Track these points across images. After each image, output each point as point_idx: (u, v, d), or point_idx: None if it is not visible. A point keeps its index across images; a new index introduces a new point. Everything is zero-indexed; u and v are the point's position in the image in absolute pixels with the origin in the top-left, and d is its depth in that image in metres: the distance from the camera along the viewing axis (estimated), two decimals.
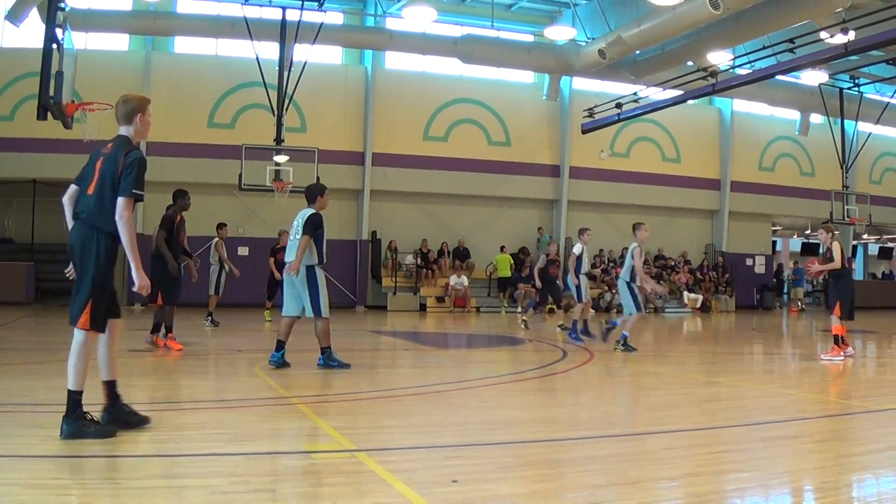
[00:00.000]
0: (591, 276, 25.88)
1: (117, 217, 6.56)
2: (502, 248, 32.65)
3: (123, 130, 7.05)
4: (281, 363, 11.40)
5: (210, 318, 19.80)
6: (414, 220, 32.68)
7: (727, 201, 37.33)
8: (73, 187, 6.91)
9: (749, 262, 38.33)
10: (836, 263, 14.29)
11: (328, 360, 11.54)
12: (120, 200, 6.55)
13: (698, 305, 32.17)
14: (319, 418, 7.56)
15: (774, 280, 39.40)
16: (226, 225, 20.59)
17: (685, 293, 33.04)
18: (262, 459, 6.18)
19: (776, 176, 38.51)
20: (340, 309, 29.27)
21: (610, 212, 35.67)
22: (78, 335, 6.66)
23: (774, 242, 44.67)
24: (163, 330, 14.16)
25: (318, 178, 25.51)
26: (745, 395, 10.02)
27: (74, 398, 6.51)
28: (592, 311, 20.10)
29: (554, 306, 21.95)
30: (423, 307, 30.86)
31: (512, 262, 31.99)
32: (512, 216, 34.39)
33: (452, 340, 17.96)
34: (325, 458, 6.06)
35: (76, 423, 6.44)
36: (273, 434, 7.10)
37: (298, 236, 11.46)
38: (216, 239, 20.00)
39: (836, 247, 14.27)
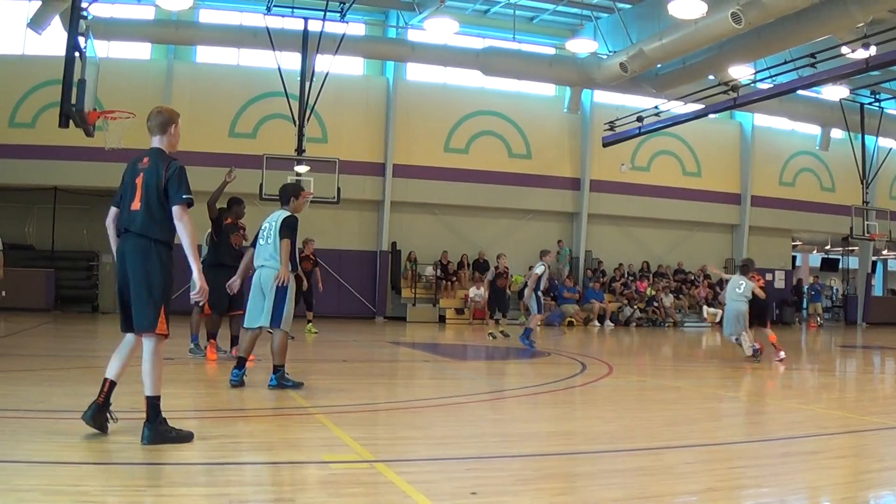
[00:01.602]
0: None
1: (177, 222, 6.90)
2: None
3: (157, 142, 7.13)
4: (239, 382, 10.34)
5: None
6: (434, 232, 32.67)
7: (747, 216, 37.17)
8: (113, 210, 7.13)
9: (769, 276, 38.12)
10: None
11: (281, 381, 10.32)
12: (175, 209, 6.87)
13: (717, 320, 32.04)
14: (338, 428, 7.56)
15: (794, 295, 39.23)
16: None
17: (704, 307, 33.03)
18: (281, 469, 6.19)
19: (796, 191, 38.32)
20: (360, 319, 29.31)
21: (630, 225, 35.63)
22: (150, 342, 6.92)
23: (794, 257, 44.50)
24: (197, 340, 14.26)
25: (338, 189, 25.62)
26: (764, 411, 9.98)
27: (154, 404, 6.70)
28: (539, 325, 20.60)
29: (501, 316, 22.07)
30: (442, 319, 30.84)
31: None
32: (532, 229, 34.33)
33: (471, 352, 17.94)
34: (344, 469, 6.06)
35: (158, 428, 6.62)
36: (292, 444, 7.11)
37: (271, 240, 10.44)
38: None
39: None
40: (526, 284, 20.18)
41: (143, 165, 6.95)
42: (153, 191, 6.81)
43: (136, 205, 6.86)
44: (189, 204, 6.91)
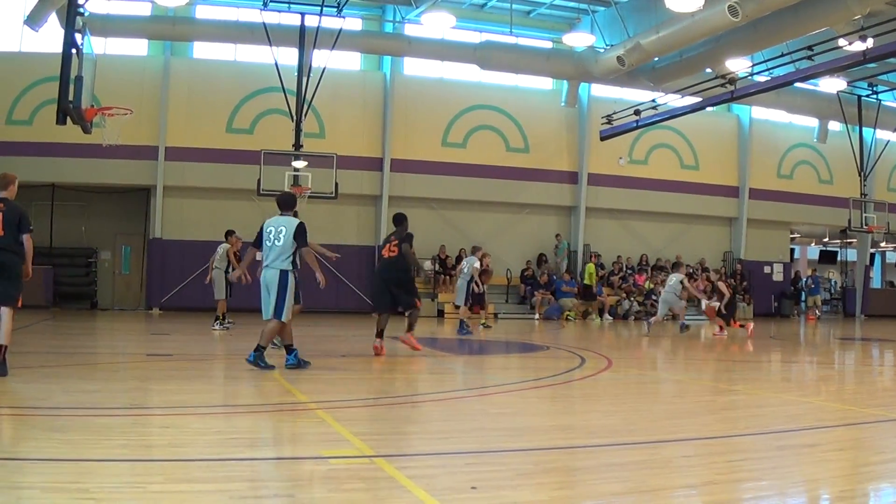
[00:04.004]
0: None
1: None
2: (591, 257, 32.93)
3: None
4: (298, 364, 11.79)
5: (220, 320, 20.23)
6: (432, 226, 32.62)
7: (745, 209, 37.17)
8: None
9: (767, 269, 38.16)
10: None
11: (258, 360, 11.50)
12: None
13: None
14: (338, 423, 7.56)
15: (792, 288, 39.25)
16: (235, 233, 20.69)
17: (703, 301, 33.00)
18: (280, 464, 6.19)
19: (794, 183, 38.30)
20: (358, 315, 29.28)
21: (628, 218, 35.64)
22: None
23: (792, 250, 44.51)
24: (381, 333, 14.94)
25: (336, 184, 25.60)
26: (763, 404, 9.98)
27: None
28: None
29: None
30: (440, 313, 30.82)
31: (593, 270, 32.26)
32: (530, 223, 34.36)
33: (470, 347, 17.94)
34: (343, 464, 6.05)
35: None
36: (291, 439, 7.12)
37: (279, 243, 11.64)
38: (227, 245, 20.19)
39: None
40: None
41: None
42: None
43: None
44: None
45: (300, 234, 11.68)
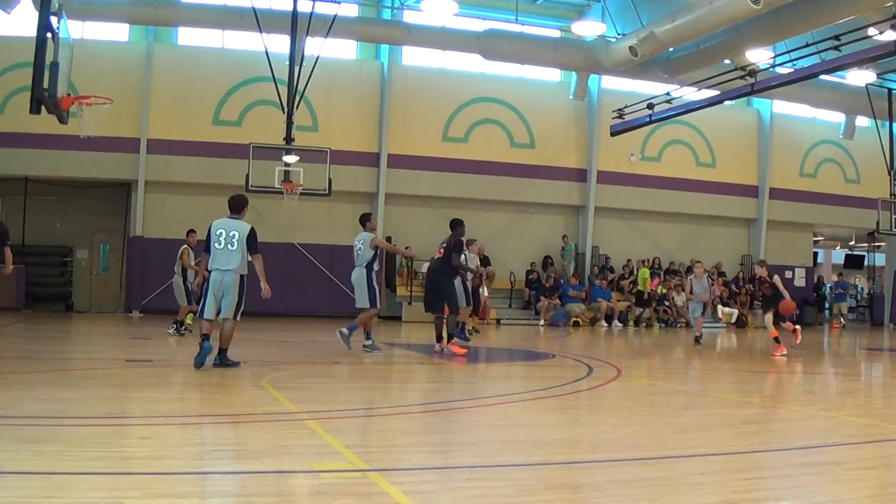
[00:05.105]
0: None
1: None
2: (644, 262, 33.00)
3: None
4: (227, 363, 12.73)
5: (177, 326, 20.15)
6: (431, 226, 32.49)
7: (765, 209, 37.18)
8: None
9: (788, 274, 38.09)
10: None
11: (224, 360, 12.65)
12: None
13: (733, 320, 32.10)
14: (329, 435, 7.56)
15: (815, 294, 39.21)
16: (195, 231, 20.59)
17: (719, 307, 33.00)
18: (267, 479, 6.17)
19: (818, 183, 38.29)
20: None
21: (639, 219, 35.66)
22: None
23: (816, 254, 44.43)
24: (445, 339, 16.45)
25: (329, 181, 25.55)
26: (784, 418, 9.97)
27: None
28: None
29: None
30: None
31: (647, 276, 32.47)
32: (535, 223, 34.38)
33: (472, 354, 17.94)
34: (335, 478, 6.05)
35: None
36: (280, 451, 7.10)
37: (232, 248, 12.56)
38: (184, 246, 20.35)
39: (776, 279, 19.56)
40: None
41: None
42: None
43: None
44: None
45: (252, 240, 12.69)
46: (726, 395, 12.30)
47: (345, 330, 16.43)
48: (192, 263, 19.87)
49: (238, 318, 12.78)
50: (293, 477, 6.23)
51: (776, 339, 18.55)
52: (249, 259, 12.74)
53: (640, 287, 32.83)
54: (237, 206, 13.02)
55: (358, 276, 16.56)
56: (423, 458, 7.00)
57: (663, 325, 32.49)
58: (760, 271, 20.46)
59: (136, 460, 6.42)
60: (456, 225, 16.55)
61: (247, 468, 6.42)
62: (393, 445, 7.64)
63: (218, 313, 12.70)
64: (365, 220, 17.61)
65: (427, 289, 17.05)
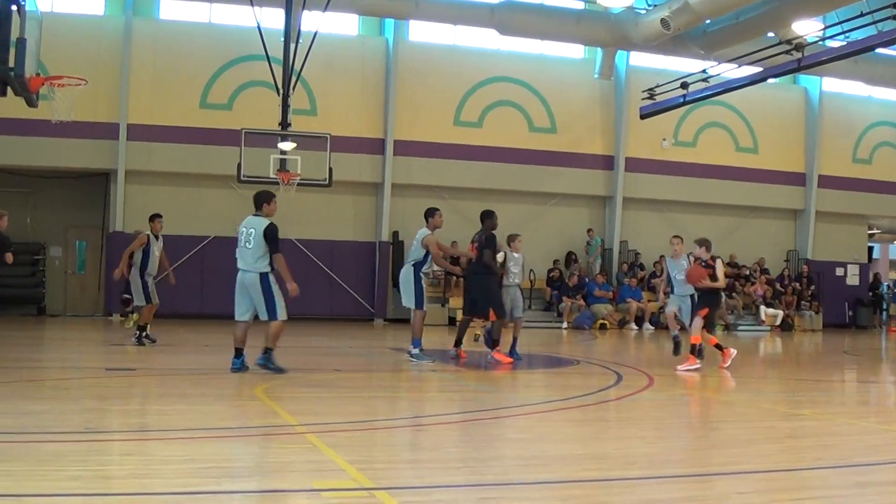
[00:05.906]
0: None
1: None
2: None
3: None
4: (241, 368, 13.30)
5: (138, 333, 18.41)
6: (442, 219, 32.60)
7: (814, 199, 37.04)
8: None
9: (840, 271, 38.02)
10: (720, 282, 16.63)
11: (267, 362, 13.28)
12: None
13: (778, 323, 32.09)
14: (331, 450, 7.57)
15: (871, 294, 39.05)
16: (160, 216, 19.21)
17: (762, 308, 33.00)
18: (263, 498, 6.20)
19: (873, 169, 38.15)
20: (356, 322, 29.32)
21: (672, 210, 35.52)
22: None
23: (871, 249, 44.25)
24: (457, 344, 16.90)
25: (330, 170, 25.57)
26: (836, 432, 9.96)
27: None
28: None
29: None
30: (451, 321, 30.75)
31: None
32: (557, 215, 34.34)
33: (486, 361, 17.96)
34: (338, 497, 6.06)
35: None
36: (277, 468, 7.12)
37: (250, 246, 13.26)
38: (141, 232, 18.79)
39: (718, 263, 16.78)
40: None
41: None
42: None
43: None
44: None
45: (269, 237, 13.23)
46: (770, 405, 12.28)
47: (413, 350, 16.13)
48: (140, 254, 18.21)
49: (282, 317, 13.33)
50: (291, 496, 6.25)
51: (718, 347, 16.43)
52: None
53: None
54: (258, 202, 13.62)
55: (405, 273, 16.62)
56: (434, 474, 7.01)
57: (651, 327, 32.42)
58: (700, 252, 16.86)
59: (117, 480, 6.44)
60: (485, 217, 16.48)
61: (240, 487, 6.44)
62: (400, 461, 7.67)
63: (255, 317, 13.52)
64: (428, 216, 17.08)
65: (468, 292, 17.22)
